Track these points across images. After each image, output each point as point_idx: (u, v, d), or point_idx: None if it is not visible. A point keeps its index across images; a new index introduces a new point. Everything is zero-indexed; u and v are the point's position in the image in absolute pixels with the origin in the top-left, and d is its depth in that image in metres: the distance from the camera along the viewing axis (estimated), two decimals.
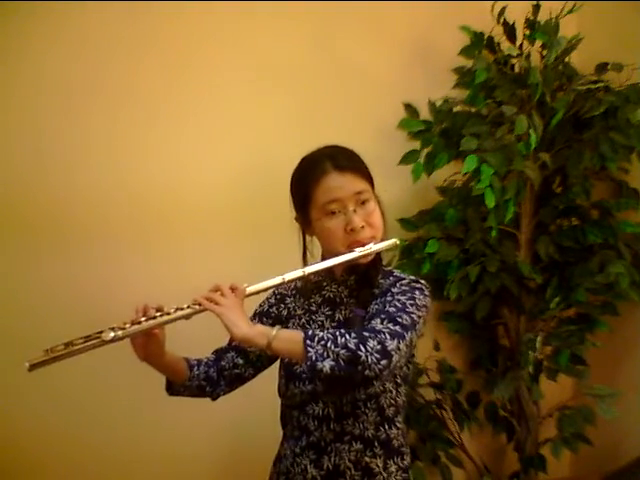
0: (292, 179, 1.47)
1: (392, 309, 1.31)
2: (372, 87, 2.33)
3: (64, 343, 1.24)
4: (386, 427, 1.40)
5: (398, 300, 1.34)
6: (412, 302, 1.35)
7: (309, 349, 1.20)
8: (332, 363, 1.19)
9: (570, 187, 2.25)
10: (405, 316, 1.30)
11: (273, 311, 1.53)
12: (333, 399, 1.38)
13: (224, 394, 1.52)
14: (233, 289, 1.30)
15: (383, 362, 1.20)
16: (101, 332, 1.26)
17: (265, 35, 2.21)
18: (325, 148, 1.44)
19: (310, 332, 1.24)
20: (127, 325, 1.29)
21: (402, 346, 1.24)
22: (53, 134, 2.03)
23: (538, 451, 2.32)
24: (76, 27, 2.04)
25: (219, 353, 1.53)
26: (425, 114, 2.31)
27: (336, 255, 1.37)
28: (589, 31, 2.25)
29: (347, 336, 1.22)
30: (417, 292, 1.39)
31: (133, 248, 2.09)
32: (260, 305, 1.55)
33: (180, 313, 1.30)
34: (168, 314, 1.30)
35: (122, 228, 2.08)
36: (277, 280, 1.33)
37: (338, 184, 1.37)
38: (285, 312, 1.51)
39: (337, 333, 1.23)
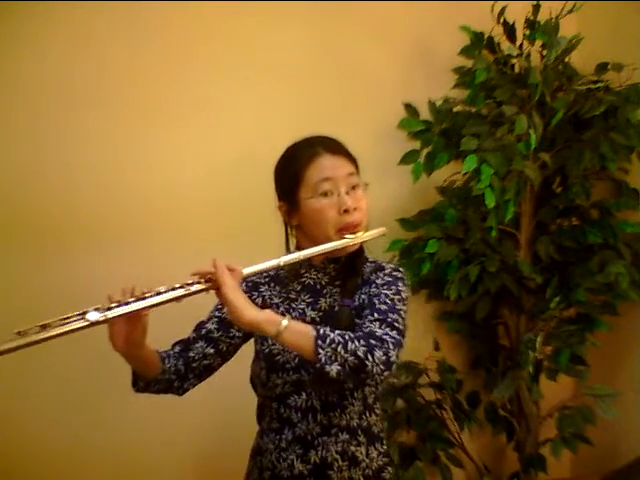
0: (278, 164, 1.44)
1: (383, 307, 1.32)
2: (372, 87, 2.33)
3: (40, 325, 1.13)
4: (367, 414, 1.40)
5: (386, 296, 1.34)
6: (399, 297, 1.35)
7: (320, 350, 1.19)
8: (339, 368, 1.20)
9: (570, 187, 2.25)
10: (399, 318, 1.31)
11: None
12: (319, 389, 1.36)
13: (192, 387, 1.45)
14: (231, 270, 1.26)
15: (386, 373, 1.23)
16: (84, 312, 1.15)
17: (265, 35, 2.21)
18: (314, 136, 1.43)
19: (322, 331, 1.22)
20: (113, 305, 1.18)
21: (400, 353, 1.26)
22: (53, 134, 2.03)
23: (538, 451, 2.32)
24: (76, 27, 2.04)
25: (185, 344, 1.44)
26: (425, 114, 2.31)
27: (323, 240, 1.35)
28: (589, 31, 2.25)
29: (356, 342, 1.22)
30: (400, 283, 1.39)
31: (133, 248, 2.09)
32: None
33: (172, 294, 1.21)
34: (159, 294, 1.21)
35: (123, 229, 2.08)
36: (273, 262, 1.30)
37: (330, 164, 1.37)
38: (259, 300, 1.46)
39: (347, 337, 1.22)
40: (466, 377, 2.40)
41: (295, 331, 1.22)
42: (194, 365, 1.43)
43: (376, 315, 1.30)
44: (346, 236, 1.35)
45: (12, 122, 2.01)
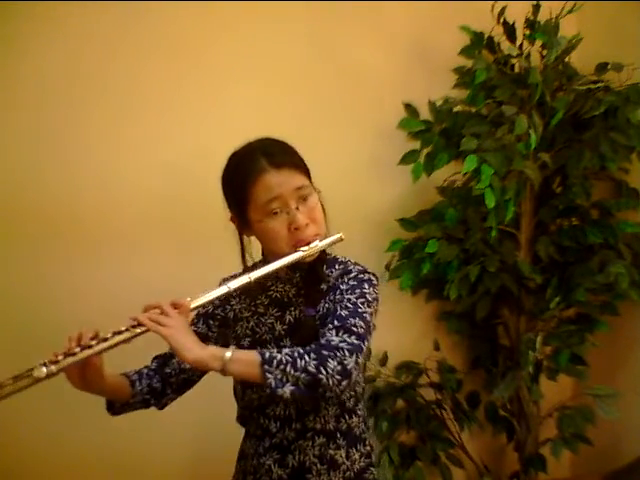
0: (224, 178, 1.39)
1: (344, 312, 1.27)
2: (372, 87, 2.33)
3: None
4: (346, 417, 1.38)
5: (349, 300, 1.29)
6: (363, 300, 1.30)
7: (268, 375, 1.16)
8: (292, 388, 1.16)
9: (570, 187, 2.24)
10: (359, 322, 1.25)
11: (219, 313, 1.46)
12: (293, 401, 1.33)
13: (171, 402, 1.45)
14: (176, 306, 1.23)
15: (344, 383, 1.18)
16: (32, 370, 1.16)
17: (265, 35, 2.21)
18: (256, 142, 1.37)
19: (267, 355, 1.18)
20: (60, 357, 1.18)
21: (360, 359, 1.21)
22: (53, 134, 2.03)
23: (538, 451, 2.32)
24: (76, 27, 2.04)
25: (162, 359, 1.44)
26: (425, 114, 2.31)
27: (281, 256, 1.31)
28: (589, 31, 2.25)
29: (306, 357, 1.18)
30: (366, 285, 1.33)
31: (135, 249, 2.08)
32: (204, 306, 1.41)
33: (118, 338, 1.20)
34: (105, 340, 1.20)
35: (123, 230, 2.08)
36: (223, 290, 1.27)
37: (277, 181, 1.30)
38: (231, 314, 1.45)
39: (296, 354, 1.18)
40: (466, 377, 2.40)
41: (240, 361, 1.19)
42: (172, 380, 1.42)
43: (335, 322, 1.25)
44: (301, 249, 1.30)
45: (13, 122, 2.01)
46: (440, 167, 2.24)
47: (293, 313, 1.38)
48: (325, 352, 1.19)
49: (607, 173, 2.27)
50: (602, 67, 2.23)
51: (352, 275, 1.35)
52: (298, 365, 1.17)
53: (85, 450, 2.06)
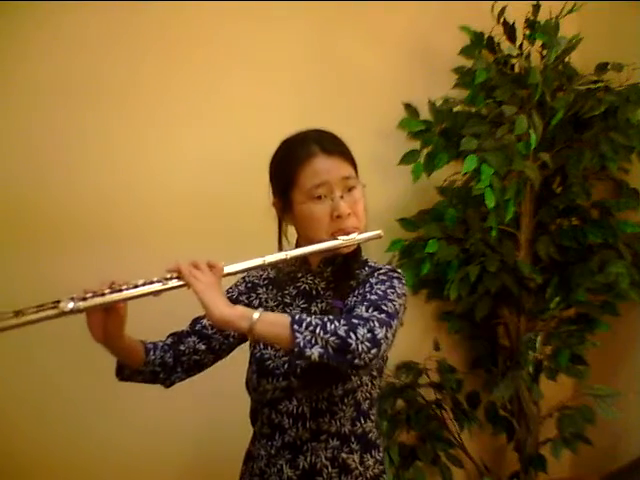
0: (273, 161, 1.40)
1: (374, 297, 1.26)
2: (372, 87, 2.33)
3: (14, 311, 1.11)
4: (362, 421, 1.36)
5: (378, 289, 1.28)
6: (392, 290, 1.29)
7: (297, 334, 1.14)
8: (321, 350, 1.14)
9: (570, 187, 2.25)
10: (389, 304, 1.24)
11: (243, 300, 1.44)
12: (308, 396, 1.33)
13: (179, 381, 1.42)
14: (211, 266, 1.22)
15: (373, 351, 1.15)
16: (58, 302, 1.14)
17: (265, 35, 2.20)
18: (310, 131, 1.38)
19: (297, 316, 1.17)
20: (88, 295, 1.17)
21: (389, 334, 1.19)
22: (51, 134, 2.03)
23: (538, 451, 2.32)
24: (75, 27, 2.03)
25: (178, 337, 1.42)
26: (425, 114, 2.31)
27: (317, 242, 1.31)
28: (589, 31, 2.26)
29: (336, 323, 1.16)
30: (395, 281, 1.32)
31: (134, 249, 2.08)
32: (228, 291, 1.45)
33: (149, 288, 1.18)
34: (136, 287, 1.18)
35: (122, 229, 2.08)
36: (257, 261, 1.26)
37: (326, 167, 1.31)
38: (256, 302, 1.44)
39: (326, 319, 1.17)
40: (466, 377, 2.40)
41: (269, 322, 1.17)
42: (183, 359, 1.41)
43: (366, 304, 1.24)
44: (339, 237, 1.31)
45: (11, 121, 2.00)
46: (440, 167, 2.24)
47: (320, 305, 1.38)
48: (355, 321, 1.17)
49: (607, 173, 2.27)
50: (602, 67, 2.24)
51: (382, 272, 1.35)
52: (328, 328, 1.15)
53: (87, 450, 2.06)
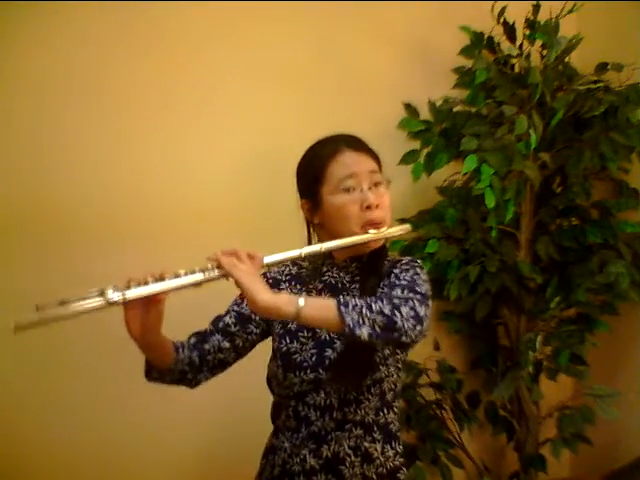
0: (301, 161, 1.45)
1: (404, 282, 1.30)
2: (372, 87, 2.33)
3: (58, 302, 1.12)
4: (385, 412, 1.38)
5: (405, 277, 1.33)
6: (418, 277, 1.34)
7: (346, 316, 1.16)
8: (370, 330, 1.16)
9: (570, 187, 2.25)
10: (420, 286, 1.30)
11: None
12: (337, 388, 1.34)
13: (205, 380, 1.43)
14: (251, 257, 1.24)
15: (418, 328, 1.20)
16: (103, 291, 1.14)
17: (265, 35, 2.20)
18: (335, 134, 1.44)
19: (342, 299, 1.19)
20: (133, 284, 1.17)
21: (429, 313, 1.24)
22: (53, 132, 2.03)
23: (538, 451, 2.32)
24: (77, 27, 2.03)
25: (202, 336, 1.43)
26: (425, 114, 2.31)
27: (346, 237, 1.34)
28: (589, 31, 2.25)
29: (380, 302, 1.19)
30: (418, 269, 1.38)
31: (136, 249, 2.07)
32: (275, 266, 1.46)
33: (191, 278, 1.19)
34: (177, 277, 1.19)
35: (125, 229, 2.07)
36: (295, 253, 1.30)
37: (353, 160, 1.37)
38: None
39: (369, 300, 1.20)
40: (466, 377, 2.40)
41: (315, 306, 1.19)
42: (209, 358, 1.41)
43: (398, 288, 1.28)
44: (370, 231, 1.35)
45: (12, 120, 2.00)
46: (440, 167, 2.24)
47: None
48: (397, 301, 1.21)
49: (607, 173, 2.27)
50: (602, 67, 2.24)
51: (404, 262, 1.39)
52: (373, 308, 1.18)
53: (89, 451, 2.05)
